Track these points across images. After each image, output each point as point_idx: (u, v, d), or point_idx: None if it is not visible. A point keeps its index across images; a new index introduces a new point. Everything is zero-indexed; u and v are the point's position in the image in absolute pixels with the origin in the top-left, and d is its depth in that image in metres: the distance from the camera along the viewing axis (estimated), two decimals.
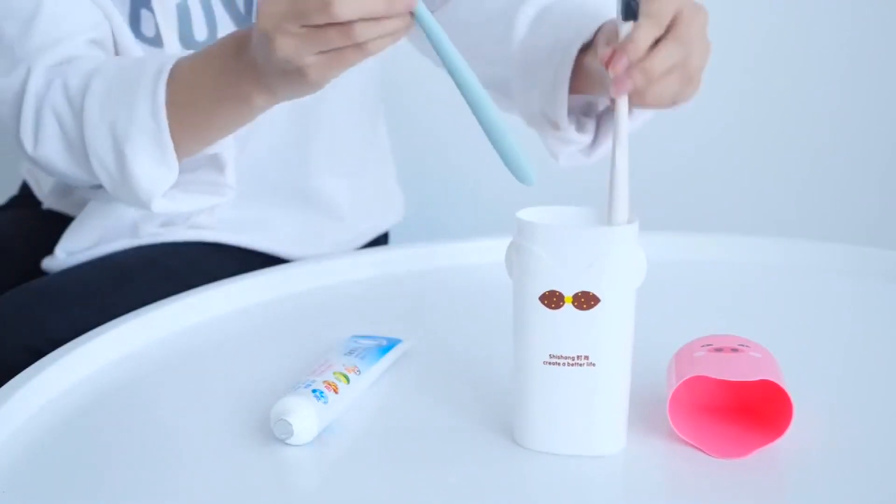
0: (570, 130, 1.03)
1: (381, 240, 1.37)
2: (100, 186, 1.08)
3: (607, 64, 0.83)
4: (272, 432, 0.82)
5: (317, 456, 0.82)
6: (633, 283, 0.79)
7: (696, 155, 1.82)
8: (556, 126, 1.04)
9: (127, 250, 1.21)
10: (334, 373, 0.87)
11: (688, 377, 0.81)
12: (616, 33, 0.85)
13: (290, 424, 0.82)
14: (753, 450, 0.80)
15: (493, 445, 0.82)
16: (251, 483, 0.79)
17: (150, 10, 1.10)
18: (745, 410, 0.84)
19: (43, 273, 1.19)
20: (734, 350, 0.83)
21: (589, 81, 1.01)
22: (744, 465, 0.79)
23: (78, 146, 1.03)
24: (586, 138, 1.04)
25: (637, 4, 0.81)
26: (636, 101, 0.86)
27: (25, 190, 1.36)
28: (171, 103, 0.99)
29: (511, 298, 0.81)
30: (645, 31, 0.83)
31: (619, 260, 0.78)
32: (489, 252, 1.12)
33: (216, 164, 1.06)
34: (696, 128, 1.79)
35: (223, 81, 0.96)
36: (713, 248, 1.17)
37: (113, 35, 1.10)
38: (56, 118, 1.03)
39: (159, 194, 1.01)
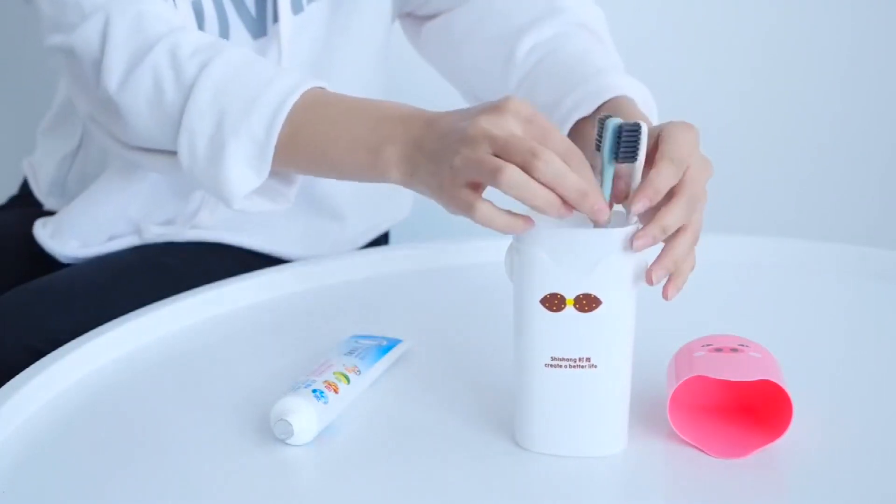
0: None
1: (382, 239, 1.37)
2: (166, 154, 1.03)
3: (625, 201, 0.81)
4: (272, 432, 0.82)
5: (317, 456, 0.82)
6: (635, 285, 0.79)
7: None
8: None
9: (127, 250, 1.21)
10: (334, 373, 0.87)
11: (688, 377, 0.81)
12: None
13: (291, 424, 0.82)
14: (753, 450, 0.80)
15: (494, 446, 0.82)
16: (251, 483, 0.79)
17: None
18: (745, 410, 0.84)
19: (43, 272, 1.19)
20: (734, 350, 0.83)
21: (583, 144, 1.00)
22: (744, 465, 0.79)
23: (171, 113, 0.99)
24: None
25: (636, 147, 0.79)
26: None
27: (25, 190, 1.36)
28: (292, 122, 0.94)
29: (511, 299, 0.81)
30: (665, 177, 0.80)
31: (620, 262, 0.78)
32: (489, 252, 1.12)
33: (285, 175, 1.02)
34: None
35: (367, 137, 0.90)
36: (713, 249, 1.17)
37: None
38: (154, 78, 0.99)
39: (241, 196, 0.98)
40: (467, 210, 0.80)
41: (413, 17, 1.23)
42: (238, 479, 0.80)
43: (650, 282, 0.79)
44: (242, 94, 0.96)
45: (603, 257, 0.78)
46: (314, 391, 0.84)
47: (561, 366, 0.79)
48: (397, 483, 0.79)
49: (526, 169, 0.77)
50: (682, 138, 0.81)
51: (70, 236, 1.20)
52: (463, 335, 1.01)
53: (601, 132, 0.80)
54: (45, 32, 1.04)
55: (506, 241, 0.81)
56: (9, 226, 1.28)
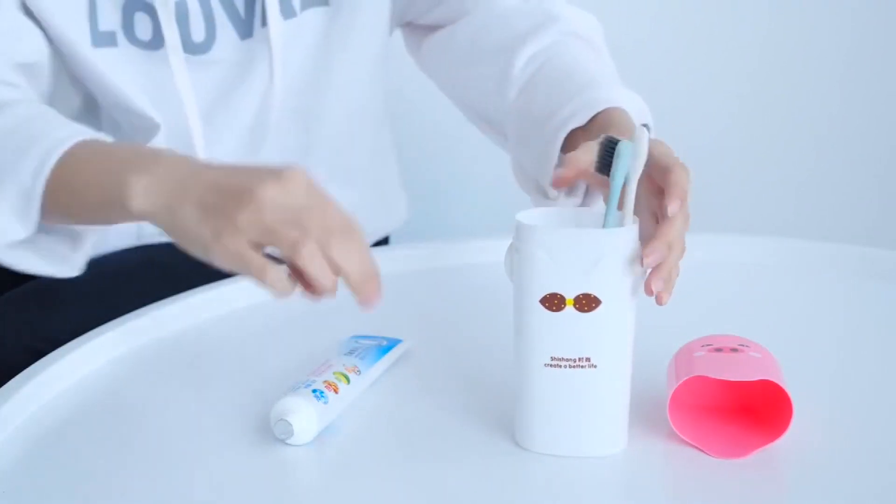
0: (559, 198, 1.02)
1: (382, 241, 1.37)
2: None
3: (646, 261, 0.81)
4: (272, 432, 0.82)
5: (317, 456, 0.82)
6: (634, 286, 0.79)
7: (695, 155, 1.81)
8: (545, 194, 1.03)
9: (127, 250, 1.21)
10: (334, 373, 0.87)
11: (688, 377, 0.81)
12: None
13: (291, 424, 0.82)
14: (753, 450, 0.80)
15: (494, 446, 0.82)
16: (251, 483, 0.79)
17: (147, 12, 1.09)
18: (745, 410, 0.84)
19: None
20: (734, 350, 0.83)
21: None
22: (744, 465, 0.79)
23: None
24: (575, 201, 1.03)
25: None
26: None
27: None
28: (61, 171, 0.94)
29: (511, 299, 0.81)
30: (678, 232, 0.82)
31: (620, 262, 0.78)
32: (489, 252, 1.12)
33: (74, 239, 1.01)
34: (695, 128, 1.80)
35: (117, 168, 0.89)
36: (713, 248, 1.17)
37: (67, 51, 1.08)
38: None
39: (3, 244, 0.98)
40: (256, 272, 0.82)
41: (414, 29, 1.23)
42: (238, 480, 0.80)
43: (650, 292, 0.80)
44: (15, 145, 0.96)
45: (602, 257, 0.78)
46: (314, 391, 0.84)
47: (561, 366, 0.79)
48: (397, 483, 0.79)
49: (319, 246, 0.80)
50: (685, 182, 0.84)
51: None
52: (463, 335, 1.01)
53: (602, 154, 0.81)
54: None
55: (506, 242, 0.81)
56: None
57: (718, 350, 0.83)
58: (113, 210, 0.90)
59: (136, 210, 0.87)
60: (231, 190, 0.82)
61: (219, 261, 0.82)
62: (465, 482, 0.79)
